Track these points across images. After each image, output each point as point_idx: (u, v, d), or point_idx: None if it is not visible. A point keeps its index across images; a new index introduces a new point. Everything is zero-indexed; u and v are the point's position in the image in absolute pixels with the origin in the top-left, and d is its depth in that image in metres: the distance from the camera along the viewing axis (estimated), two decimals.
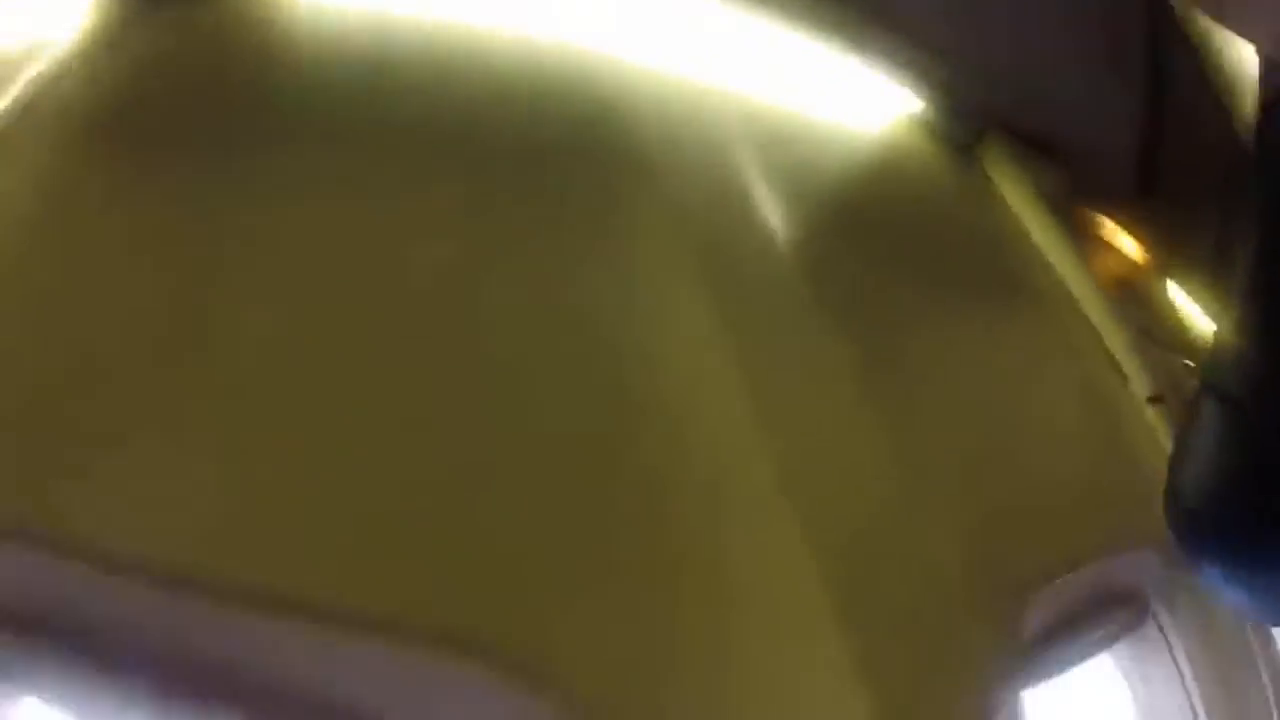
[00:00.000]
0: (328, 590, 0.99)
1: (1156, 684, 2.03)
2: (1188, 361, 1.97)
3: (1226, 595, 1.03)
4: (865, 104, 1.78)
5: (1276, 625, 2.03)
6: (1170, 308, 2.06)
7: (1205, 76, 2.12)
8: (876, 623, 1.21)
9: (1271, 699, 2.10)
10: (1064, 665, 1.76)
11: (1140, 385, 1.85)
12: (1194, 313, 2.11)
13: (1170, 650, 2.00)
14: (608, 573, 1.13)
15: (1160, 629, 1.97)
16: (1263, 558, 0.98)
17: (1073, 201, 1.85)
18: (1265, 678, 2.09)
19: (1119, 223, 1.92)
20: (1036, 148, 1.78)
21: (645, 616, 1.13)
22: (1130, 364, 1.84)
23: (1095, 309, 1.82)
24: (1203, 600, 1.89)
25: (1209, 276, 2.07)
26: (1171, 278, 2.07)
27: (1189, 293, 2.11)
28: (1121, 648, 2.02)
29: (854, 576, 1.21)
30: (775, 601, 1.18)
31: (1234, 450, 0.99)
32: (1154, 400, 1.87)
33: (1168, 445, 1.96)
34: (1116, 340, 1.83)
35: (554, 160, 1.32)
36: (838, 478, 1.29)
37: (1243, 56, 2.15)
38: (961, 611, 1.34)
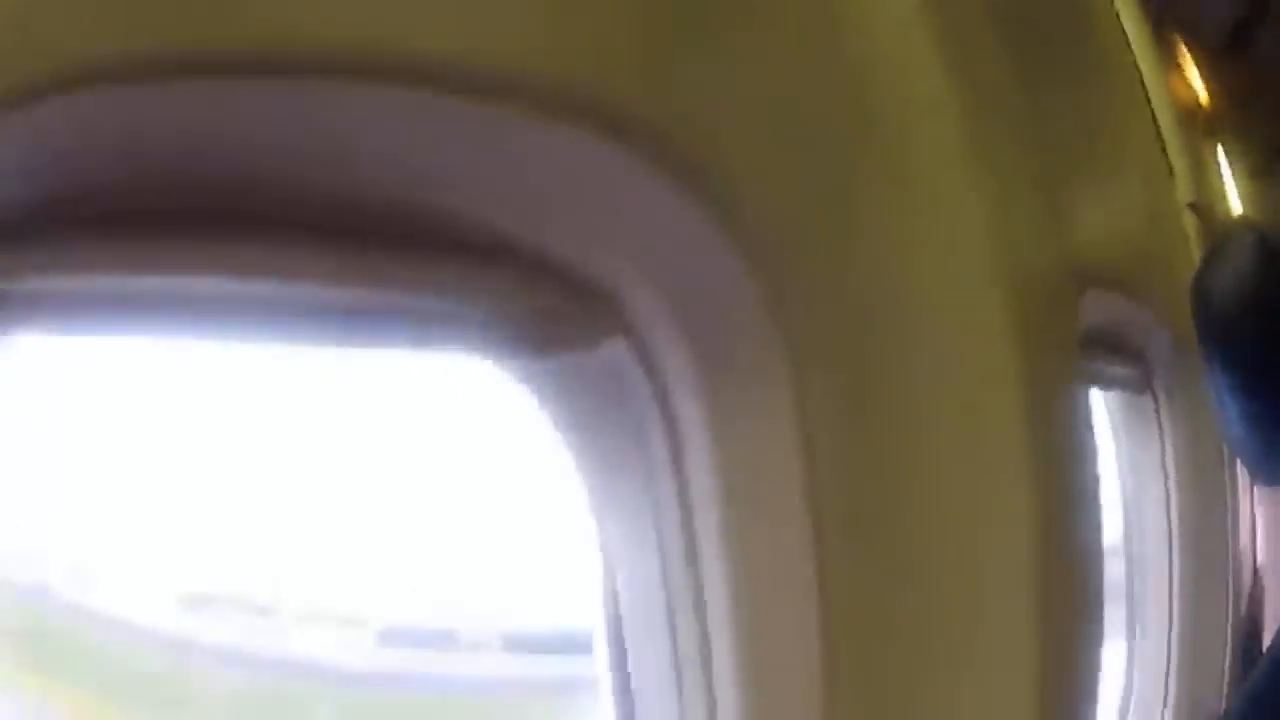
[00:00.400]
0: (491, 69, 0.79)
1: (1144, 472, 2.28)
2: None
3: (1223, 412, 1.07)
4: None
5: (1247, 465, 2.25)
6: (1212, 160, 2.36)
7: None
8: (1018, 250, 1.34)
9: (1229, 535, 2.35)
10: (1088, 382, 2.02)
11: (1184, 188, 2.16)
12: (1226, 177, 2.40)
13: (1160, 436, 2.25)
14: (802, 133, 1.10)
15: (1156, 411, 2.24)
16: (1270, 396, 1.05)
17: (1162, 23, 2.16)
18: (1229, 503, 2.33)
19: (1198, 63, 2.21)
20: None
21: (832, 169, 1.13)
22: (1180, 167, 2.15)
23: (1161, 110, 2.14)
24: (1199, 405, 2.15)
25: (1259, 157, 2.37)
26: (1223, 141, 2.38)
27: (1231, 161, 2.42)
28: (1118, 423, 2.29)
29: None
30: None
31: (1265, 284, 1.06)
32: (1192, 207, 2.18)
33: (1196, 250, 2.26)
34: (1172, 143, 2.15)
35: None
36: (998, 133, 1.40)
37: None
38: (1056, 280, 1.55)
